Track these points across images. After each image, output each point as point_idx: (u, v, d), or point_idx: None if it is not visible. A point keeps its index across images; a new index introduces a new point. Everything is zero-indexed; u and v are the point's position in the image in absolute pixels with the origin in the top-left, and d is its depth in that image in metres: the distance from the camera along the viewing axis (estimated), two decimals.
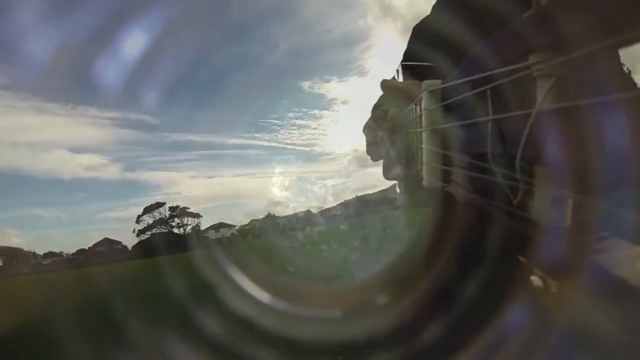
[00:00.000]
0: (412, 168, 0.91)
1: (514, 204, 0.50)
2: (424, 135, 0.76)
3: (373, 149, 1.16)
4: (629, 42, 0.27)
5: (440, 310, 0.78)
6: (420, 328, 0.80)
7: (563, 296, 0.50)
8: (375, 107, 1.08)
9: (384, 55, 36.72)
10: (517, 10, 0.42)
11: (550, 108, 0.39)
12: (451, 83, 0.68)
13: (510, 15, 0.45)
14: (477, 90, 0.54)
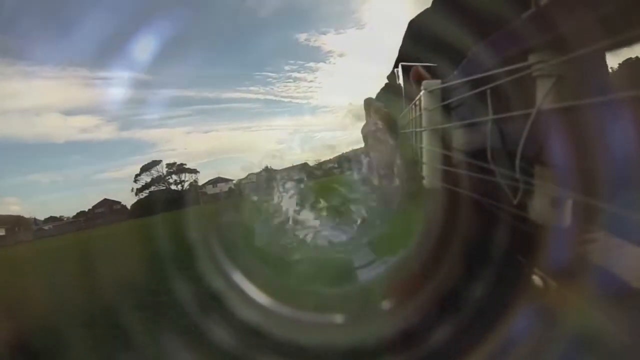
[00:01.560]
0: (412, 168, 0.91)
1: (514, 204, 0.50)
2: (424, 135, 0.76)
3: (371, 148, 1.16)
4: (629, 42, 0.26)
5: (444, 311, 0.78)
6: (423, 330, 0.80)
7: (564, 297, 0.50)
8: (372, 104, 1.09)
9: (382, 7, 36.44)
10: (516, 10, 0.42)
11: (550, 108, 0.39)
12: (451, 83, 0.68)
13: (510, 15, 0.45)
14: (477, 90, 0.54)
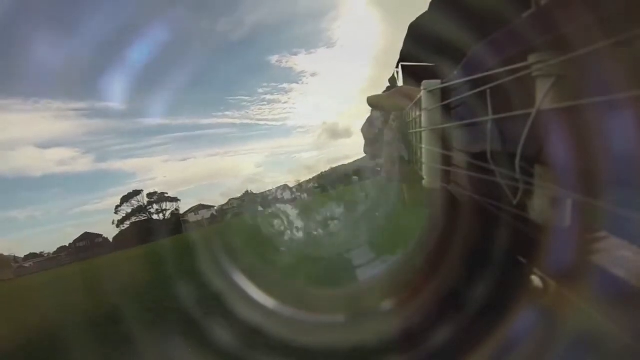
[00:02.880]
0: (412, 168, 0.91)
1: (514, 205, 0.50)
2: (424, 135, 0.76)
3: (371, 148, 1.16)
4: (629, 42, 0.26)
5: (444, 313, 0.78)
6: (423, 331, 0.80)
7: (564, 298, 0.50)
8: (376, 103, 1.08)
9: (352, 25, 36.60)
10: (516, 10, 0.42)
11: (550, 108, 0.39)
12: (451, 83, 0.68)
13: (509, 14, 0.45)
14: (477, 90, 0.54)
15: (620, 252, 0.44)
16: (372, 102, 1.02)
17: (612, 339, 0.43)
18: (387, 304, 0.96)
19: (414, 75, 0.93)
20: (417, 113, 0.81)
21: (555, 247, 0.50)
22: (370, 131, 1.12)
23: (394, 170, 1.00)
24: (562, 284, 0.52)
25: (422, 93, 0.74)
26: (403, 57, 1.10)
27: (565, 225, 0.45)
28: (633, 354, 0.41)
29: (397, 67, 1.13)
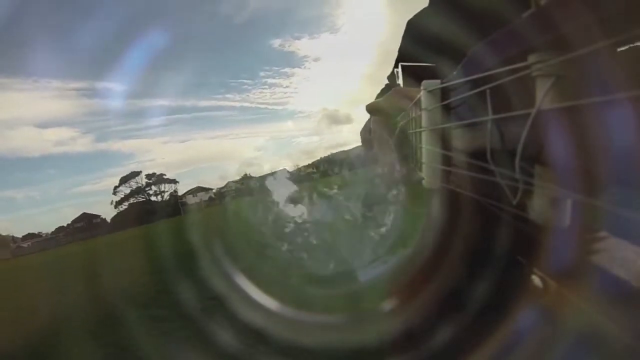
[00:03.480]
0: (412, 168, 0.91)
1: (514, 205, 0.50)
2: (424, 135, 0.76)
3: (370, 149, 1.16)
4: (627, 42, 0.26)
5: (443, 312, 0.77)
6: (424, 328, 0.80)
7: (564, 297, 0.50)
8: (374, 108, 1.09)
9: (356, 10, 36.49)
10: (516, 10, 0.42)
11: (550, 108, 0.39)
12: (450, 83, 0.68)
13: (509, 14, 0.45)
14: (477, 90, 0.53)
15: (620, 252, 0.44)
16: (371, 108, 1.03)
17: (612, 339, 0.43)
18: (385, 304, 0.96)
19: (413, 74, 0.93)
20: (417, 113, 0.81)
21: (555, 247, 0.50)
22: (367, 137, 1.13)
23: (392, 175, 1.01)
24: (562, 283, 0.52)
25: (422, 93, 0.74)
26: (401, 56, 1.10)
27: (564, 225, 0.45)
28: (633, 354, 0.41)
29: (396, 65, 1.13)
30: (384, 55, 23.77)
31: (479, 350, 0.66)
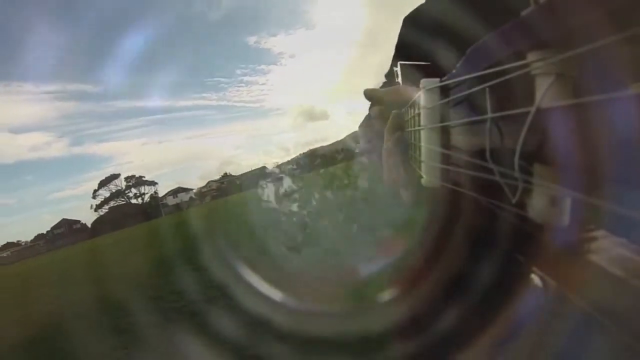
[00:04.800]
0: (411, 167, 0.91)
1: (513, 203, 0.50)
2: (423, 133, 0.76)
3: (369, 148, 1.16)
4: (630, 39, 0.26)
5: (439, 309, 0.78)
6: (421, 326, 0.80)
7: (562, 296, 0.50)
8: (375, 96, 1.07)
9: (332, 7, 36.40)
10: (515, 7, 0.42)
11: (550, 106, 0.39)
12: (449, 81, 0.68)
13: (508, 12, 0.45)
14: (476, 88, 0.53)
15: (619, 251, 0.44)
16: (369, 94, 1.00)
17: (612, 338, 0.43)
18: (384, 303, 0.96)
19: (412, 73, 0.93)
20: (416, 111, 0.81)
21: (554, 246, 0.50)
22: (367, 131, 1.12)
23: (395, 176, 1.00)
24: (561, 282, 0.52)
25: (421, 91, 0.74)
26: (399, 53, 1.10)
27: (564, 224, 0.45)
28: (633, 354, 0.41)
29: (394, 62, 1.12)
30: (360, 50, 23.42)
31: (474, 348, 0.66)
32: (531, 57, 0.40)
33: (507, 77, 0.44)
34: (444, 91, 0.71)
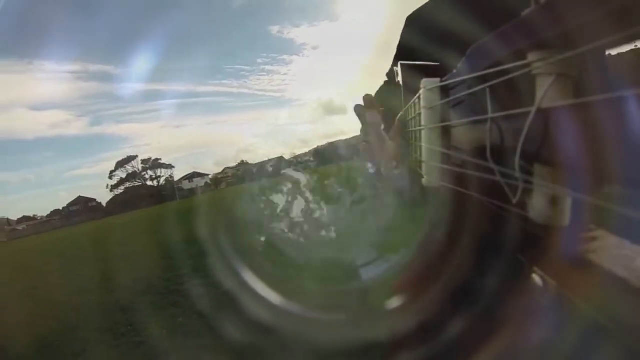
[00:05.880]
0: (411, 167, 0.91)
1: (514, 203, 0.50)
2: (423, 133, 0.76)
3: (369, 147, 1.16)
4: (628, 40, 0.26)
5: (442, 309, 0.77)
6: (422, 324, 0.80)
7: (563, 296, 0.50)
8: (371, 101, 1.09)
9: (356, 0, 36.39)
10: (516, 8, 0.42)
11: (550, 106, 0.39)
12: (450, 81, 0.68)
13: (509, 13, 0.45)
14: (476, 88, 0.53)
15: (620, 251, 0.44)
16: (369, 101, 1.03)
17: (612, 338, 0.43)
18: (383, 303, 0.97)
19: (413, 72, 0.93)
20: (417, 111, 0.81)
21: (554, 245, 0.50)
22: (367, 136, 1.13)
23: (395, 175, 1.00)
24: (562, 281, 0.52)
25: (422, 91, 0.74)
26: (400, 53, 1.09)
27: (564, 224, 0.45)
28: (633, 354, 0.41)
29: (395, 63, 1.12)
30: (383, 46, 23.31)
31: (479, 348, 0.66)
32: (532, 57, 0.40)
33: (508, 77, 0.44)
34: (444, 91, 0.71)
